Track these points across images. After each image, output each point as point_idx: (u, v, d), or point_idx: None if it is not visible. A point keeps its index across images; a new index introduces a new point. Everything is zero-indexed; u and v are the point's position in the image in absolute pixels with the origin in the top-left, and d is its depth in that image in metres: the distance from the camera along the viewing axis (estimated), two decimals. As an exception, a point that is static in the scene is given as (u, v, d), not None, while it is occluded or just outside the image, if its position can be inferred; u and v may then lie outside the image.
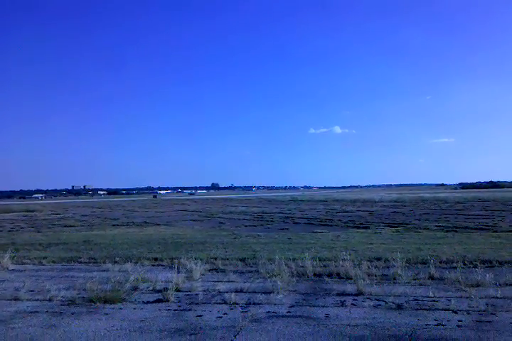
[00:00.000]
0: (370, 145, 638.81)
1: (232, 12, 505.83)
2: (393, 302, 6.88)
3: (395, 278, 8.74)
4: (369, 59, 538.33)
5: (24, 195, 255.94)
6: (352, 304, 6.84)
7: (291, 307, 6.70)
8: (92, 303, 7.10)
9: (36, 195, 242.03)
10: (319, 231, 22.77)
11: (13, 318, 6.42)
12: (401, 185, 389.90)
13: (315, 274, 9.32)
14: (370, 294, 7.45)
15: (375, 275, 8.91)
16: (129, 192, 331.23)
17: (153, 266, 11.09)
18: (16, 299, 7.56)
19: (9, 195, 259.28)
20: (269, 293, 7.48)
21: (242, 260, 11.42)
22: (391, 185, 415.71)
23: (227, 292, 7.62)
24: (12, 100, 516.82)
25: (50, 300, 7.44)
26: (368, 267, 9.65)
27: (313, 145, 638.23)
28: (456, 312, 6.34)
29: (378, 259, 10.92)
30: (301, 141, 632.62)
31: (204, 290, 7.88)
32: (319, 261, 10.70)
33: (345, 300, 7.06)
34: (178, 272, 9.20)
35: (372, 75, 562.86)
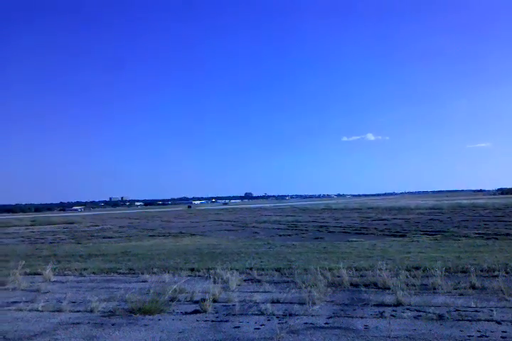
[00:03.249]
0: (405, 151, 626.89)
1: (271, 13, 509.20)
2: (434, 313, 6.72)
3: (434, 288, 8.54)
4: (401, 64, 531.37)
5: (64, 207, 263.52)
6: (391, 315, 6.71)
7: (328, 318, 6.64)
8: (132, 314, 7.22)
9: (76, 207, 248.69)
10: (355, 239, 22.49)
11: (56, 330, 6.59)
12: (437, 192, 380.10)
13: (352, 284, 9.20)
14: (410, 304, 7.30)
15: (414, 285, 8.73)
16: (164, 202, 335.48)
17: (189, 276, 11.18)
18: (59, 310, 7.76)
19: (50, 207, 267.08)
20: (306, 303, 7.41)
21: (278, 270, 11.39)
22: (427, 191, 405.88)
23: (263, 302, 7.62)
24: (52, 110, 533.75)
25: (91, 311, 7.61)
26: (407, 277, 9.47)
27: (347, 152, 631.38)
28: (499, 323, 6.15)
29: (417, 268, 10.69)
30: (334, 148, 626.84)
31: (241, 301, 7.89)
32: (356, 270, 10.58)
33: (384, 311, 6.94)
34: (215, 282, 9.27)
35: (404, 80, 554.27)
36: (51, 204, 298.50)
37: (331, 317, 6.67)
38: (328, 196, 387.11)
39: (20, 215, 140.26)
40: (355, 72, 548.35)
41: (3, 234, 40.12)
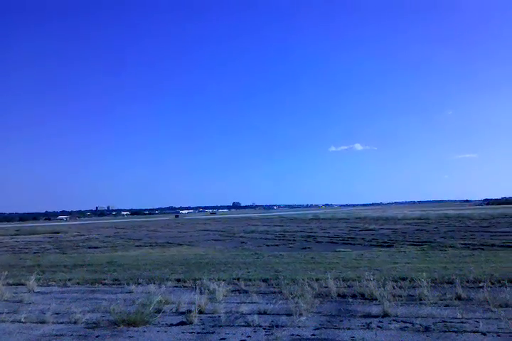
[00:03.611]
0: (392, 162, 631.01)
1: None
2: (420, 325, 6.71)
3: (421, 299, 8.55)
4: (387, 75, 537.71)
5: (49, 216, 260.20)
6: (378, 326, 6.70)
7: (315, 329, 6.60)
8: (116, 326, 7.12)
9: (61, 217, 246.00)
10: (342, 250, 22.53)
11: (39, 341, 6.48)
12: (424, 202, 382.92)
13: (339, 295, 9.18)
14: (397, 315, 7.29)
15: (401, 296, 8.73)
16: (151, 212, 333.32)
17: (176, 287, 11.09)
18: (42, 322, 7.62)
19: (35, 216, 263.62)
20: (293, 314, 7.38)
21: (265, 280, 11.33)
22: (414, 201, 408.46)
23: (250, 314, 7.56)
24: (35, 119, 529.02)
25: (75, 322, 7.49)
26: (393, 287, 9.48)
27: (334, 162, 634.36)
28: (485, 334, 6.16)
29: (403, 279, 10.71)
30: (322, 158, 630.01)
31: (227, 312, 7.83)
32: (343, 281, 10.56)
33: (371, 322, 6.92)
34: (201, 293, 9.19)
35: (391, 92, 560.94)
36: (36, 213, 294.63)
37: (317, 329, 6.63)
38: (317, 206, 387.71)
39: (4, 225, 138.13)
40: (343, 81, 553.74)
41: (-13, 244, 39.47)
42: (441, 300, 8.49)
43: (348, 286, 10.08)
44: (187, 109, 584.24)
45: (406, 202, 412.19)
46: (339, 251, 21.71)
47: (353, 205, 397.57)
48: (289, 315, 7.45)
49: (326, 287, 9.72)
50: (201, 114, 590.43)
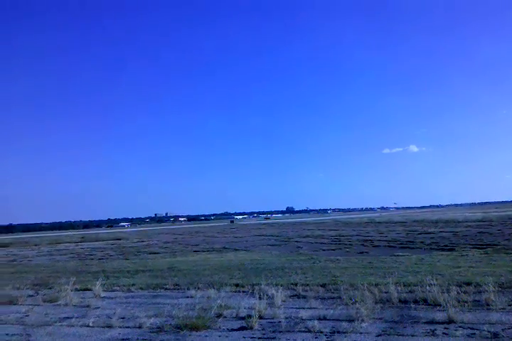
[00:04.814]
0: (450, 162, 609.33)
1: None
2: (488, 331, 6.44)
3: (488, 305, 8.19)
4: (443, 74, 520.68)
5: (112, 223, 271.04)
6: (443, 333, 6.48)
7: (378, 336, 6.48)
8: (179, 330, 7.29)
9: (122, 224, 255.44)
10: (401, 254, 21.94)
11: (107, 345, 6.74)
12: (485, 203, 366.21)
13: (400, 300, 8.95)
14: (462, 322, 7.03)
15: (466, 302, 8.40)
16: (207, 218, 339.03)
17: (234, 292, 11.19)
18: (109, 326, 7.94)
19: (98, 223, 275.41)
20: (354, 320, 7.28)
21: (323, 286, 11.23)
22: (474, 203, 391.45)
23: (310, 319, 7.53)
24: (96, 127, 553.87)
25: (140, 327, 7.74)
26: (458, 292, 9.12)
27: (389, 165, 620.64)
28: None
29: (468, 284, 10.30)
30: (376, 161, 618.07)
31: (286, 318, 7.82)
32: (404, 286, 10.29)
33: (435, 329, 6.71)
34: (260, 298, 9.23)
35: (446, 91, 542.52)
36: (99, 220, 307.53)
37: (380, 335, 6.51)
38: (372, 209, 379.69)
39: (70, 232, 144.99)
40: (398, 82, 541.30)
41: (55, 251, 41.53)
42: (510, 305, 8.10)
43: (410, 291, 9.81)
44: (240, 118, 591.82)
45: (466, 204, 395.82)
46: (398, 256, 21.16)
47: (410, 208, 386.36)
48: (350, 321, 7.35)
49: (386, 292, 9.51)
50: (250, 122, 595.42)
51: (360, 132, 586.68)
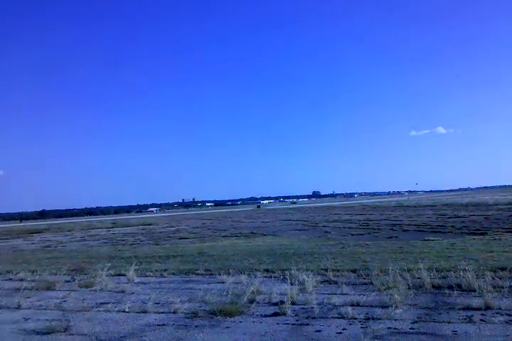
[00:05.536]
0: (479, 144, 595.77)
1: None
2: (527, 318, 6.30)
3: (525, 290, 8.01)
4: (471, 53, 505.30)
5: (141, 209, 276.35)
6: (481, 320, 6.35)
7: (413, 323, 6.40)
8: (213, 316, 7.37)
9: (151, 209, 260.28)
10: (431, 238, 21.67)
11: (144, 331, 6.85)
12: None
13: (433, 286, 8.82)
14: (500, 308, 6.88)
15: (502, 287, 8.19)
16: (233, 203, 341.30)
17: (265, 277, 11.21)
18: (144, 312, 8.06)
19: (128, 209, 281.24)
20: (387, 307, 7.21)
21: (354, 271, 11.16)
22: (504, 185, 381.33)
23: (342, 305, 7.49)
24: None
25: (174, 312, 7.85)
26: (492, 278, 8.95)
27: (416, 147, 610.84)
28: None
29: (503, 269, 10.06)
30: (403, 144, 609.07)
31: (319, 304, 7.81)
32: (436, 271, 10.11)
33: (472, 315, 6.58)
34: (291, 284, 9.24)
35: (476, 71, 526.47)
36: (129, 206, 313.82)
37: (416, 322, 6.43)
38: (399, 193, 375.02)
39: (101, 218, 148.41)
40: (424, 63, 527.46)
41: (88, 236, 42.66)
42: (548, 291, 7.90)
43: (443, 277, 9.65)
44: (267, 102, 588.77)
45: (496, 187, 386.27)
46: (428, 240, 20.91)
47: (439, 191, 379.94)
48: (384, 307, 7.29)
49: (418, 278, 9.39)
50: (281, 108, 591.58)
51: (386, 114, 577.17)
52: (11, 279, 13.09)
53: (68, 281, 12.10)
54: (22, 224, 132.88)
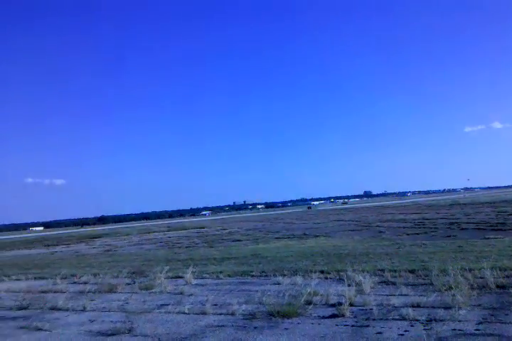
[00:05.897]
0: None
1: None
2: None
3: None
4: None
5: (193, 212, 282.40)
6: (550, 321, 6.06)
7: (478, 324, 6.17)
8: (271, 317, 7.42)
9: (204, 212, 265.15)
10: (492, 236, 20.80)
11: (204, 332, 6.98)
12: None
13: (498, 286, 8.45)
14: None
15: None
16: (284, 204, 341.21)
17: (320, 278, 11.15)
18: (204, 313, 8.23)
19: (181, 213, 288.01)
20: (450, 307, 6.99)
21: (412, 271, 10.88)
22: None
23: (402, 307, 7.32)
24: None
25: (232, 314, 7.95)
26: None
27: (471, 143, 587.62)
28: None
29: None
30: (457, 140, 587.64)
31: (378, 305, 7.68)
32: (499, 270, 9.71)
33: (541, 316, 6.29)
34: (348, 285, 9.15)
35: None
36: (182, 210, 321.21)
37: (481, 323, 6.19)
38: (454, 190, 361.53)
39: (157, 222, 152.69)
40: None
41: (145, 240, 43.98)
42: None
43: (507, 276, 9.24)
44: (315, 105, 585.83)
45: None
46: (489, 238, 20.08)
47: (497, 187, 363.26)
48: (446, 308, 7.07)
49: (481, 277, 9.05)
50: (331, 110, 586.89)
51: (440, 110, 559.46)
52: (75, 282, 13.71)
53: (129, 284, 12.54)
54: (83, 229, 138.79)
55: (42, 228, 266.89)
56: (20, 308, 10.19)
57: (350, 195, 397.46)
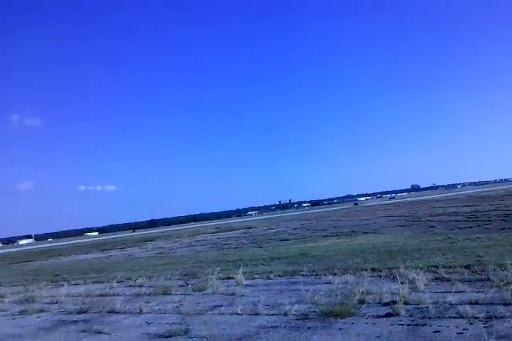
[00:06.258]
0: None
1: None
2: None
3: None
4: None
5: (240, 213, 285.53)
6: None
7: (542, 321, 5.94)
8: (324, 317, 7.36)
9: (250, 213, 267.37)
10: (552, 227, 19.83)
11: (258, 333, 7.03)
12: None
13: (561, 280, 8.11)
14: None
15: None
16: (330, 201, 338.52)
17: (371, 276, 11.00)
18: (256, 314, 8.28)
19: (228, 214, 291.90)
20: (510, 304, 6.74)
21: (467, 267, 10.54)
22: None
23: (459, 304, 7.10)
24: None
25: (285, 314, 7.96)
26: None
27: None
28: None
29: None
30: (504, 127, 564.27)
31: (434, 303, 7.46)
32: None
33: None
34: (401, 283, 8.98)
35: None
36: (229, 211, 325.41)
37: (545, 320, 5.95)
38: (507, 180, 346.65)
39: (205, 223, 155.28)
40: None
41: (195, 242, 44.75)
42: None
43: None
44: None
45: None
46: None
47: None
48: (506, 304, 6.79)
49: (542, 271, 8.68)
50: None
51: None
52: (131, 285, 14.14)
53: (182, 286, 12.81)
54: (135, 233, 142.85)
55: (97, 233, 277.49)
56: (80, 312, 10.60)
57: (397, 189, 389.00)
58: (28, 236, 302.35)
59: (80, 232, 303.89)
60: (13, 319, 10.91)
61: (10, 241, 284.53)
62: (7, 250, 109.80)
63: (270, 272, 13.41)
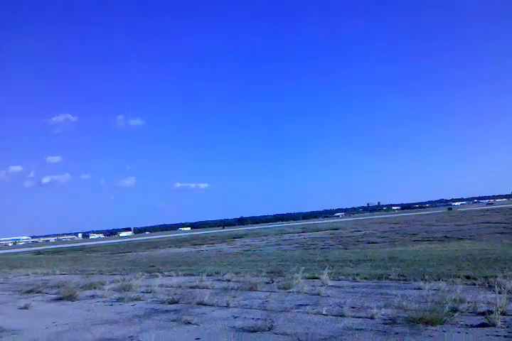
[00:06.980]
0: None
1: None
2: None
3: None
4: None
5: (327, 214, 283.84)
6: None
7: None
8: (413, 323, 7.10)
9: (337, 214, 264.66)
10: None
11: (343, 335, 6.94)
12: None
13: None
14: None
15: None
16: (421, 206, 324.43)
17: (466, 284, 10.41)
18: (341, 315, 8.16)
19: (315, 214, 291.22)
20: None
21: None
22: None
23: None
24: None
25: (371, 317, 7.78)
26: None
27: None
28: None
29: None
30: None
31: (535, 314, 6.95)
32: None
33: None
34: (499, 293, 8.42)
35: None
36: (316, 211, 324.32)
37: None
38: None
39: (291, 223, 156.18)
40: None
41: (281, 241, 45.22)
42: None
43: None
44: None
45: None
46: None
47: None
48: None
49: None
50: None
51: None
52: (219, 280, 14.61)
53: (268, 283, 13.01)
54: (224, 230, 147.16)
55: (189, 228, 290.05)
56: (172, 302, 11.14)
57: (496, 194, 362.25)
58: (128, 229, 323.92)
59: (173, 227, 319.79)
60: (111, 305, 11.73)
61: (112, 233, 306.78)
62: (109, 241, 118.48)
63: (357, 274, 13.15)
